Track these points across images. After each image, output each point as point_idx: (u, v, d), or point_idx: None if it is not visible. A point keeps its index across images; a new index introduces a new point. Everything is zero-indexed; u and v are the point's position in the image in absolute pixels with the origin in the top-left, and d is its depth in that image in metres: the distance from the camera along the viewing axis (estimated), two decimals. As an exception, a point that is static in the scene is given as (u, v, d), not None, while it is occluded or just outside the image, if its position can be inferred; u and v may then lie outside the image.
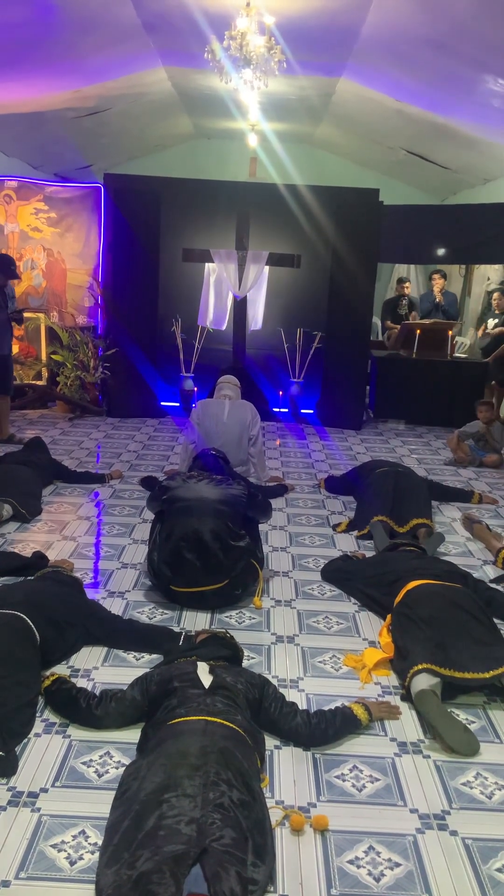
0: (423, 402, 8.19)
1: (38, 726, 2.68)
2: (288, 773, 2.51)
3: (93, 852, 2.11)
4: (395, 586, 3.50)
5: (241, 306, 7.57)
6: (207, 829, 1.92)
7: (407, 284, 10.16)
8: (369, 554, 4.30)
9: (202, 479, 4.18)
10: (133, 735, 2.58)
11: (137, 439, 7.00)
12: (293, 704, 2.69)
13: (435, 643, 2.97)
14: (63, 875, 2.05)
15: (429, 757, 2.64)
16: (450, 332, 8.52)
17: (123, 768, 2.38)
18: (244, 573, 3.70)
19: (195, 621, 3.54)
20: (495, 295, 8.62)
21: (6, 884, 2.01)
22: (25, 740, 2.59)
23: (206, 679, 2.55)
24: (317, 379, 7.96)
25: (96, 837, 2.17)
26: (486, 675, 2.88)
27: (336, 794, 2.43)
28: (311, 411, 8.09)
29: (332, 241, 7.63)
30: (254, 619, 3.60)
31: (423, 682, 2.83)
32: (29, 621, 2.89)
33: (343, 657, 3.25)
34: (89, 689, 2.84)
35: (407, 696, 2.92)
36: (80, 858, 2.10)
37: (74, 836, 2.18)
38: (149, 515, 4.41)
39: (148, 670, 2.80)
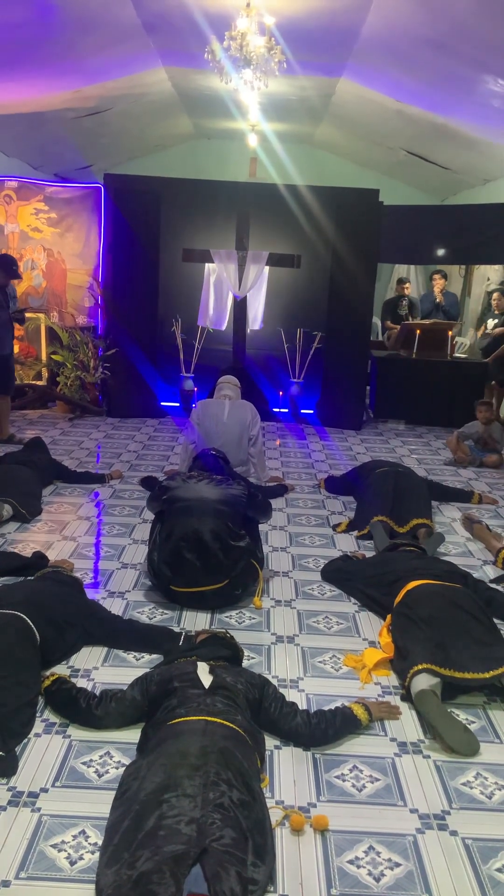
0: (423, 403, 8.19)
1: (38, 726, 2.68)
2: (288, 773, 2.51)
3: (93, 852, 2.11)
4: (395, 586, 3.50)
5: (241, 306, 7.57)
6: (207, 829, 1.92)
7: (407, 285, 10.16)
8: (369, 554, 4.31)
9: (202, 479, 4.18)
10: (133, 735, 2.58)
11: (137, 439, 7.00)
12: (293, 704, 2.69)
13: (435, 643, 2.97)
14: (63, 875, 2.05)
15: (429, 757, 2.64)
16: (450, 333, 8.52)
17: (123, 768, 2.38)
18: (244, 573, 3.70)
19: (195, 621, 3.54)
20: (495, 295, 8.62)
21: (6, 884, 2.01)
22: (25, 740, 2.59)
23: (206, 679, 2.55)
24: (317, 379, 7.96)
25: (96, 837, 2.17)
26: (486, 675, 2.88)
27: (336, 794, 2.43)
28: (311, 411, 8.09)
29: (332, 241, 7.63)
30: (254, 619, 3.60)
31: (423, 682, 2.83)
32: (29, 621, 2.89)
33: (343, 657, 3.25)
34: (89, 689, 2.84)
35: (407, 696, 2.92)
36: (81, 858, 2.10)
37: (74, 836, 2.19)
38: (149, 515, 4.41)
39: (148, 670, 2.80)
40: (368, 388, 8.57)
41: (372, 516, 4.69)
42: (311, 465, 6.46)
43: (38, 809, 2.29)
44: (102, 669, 3.08)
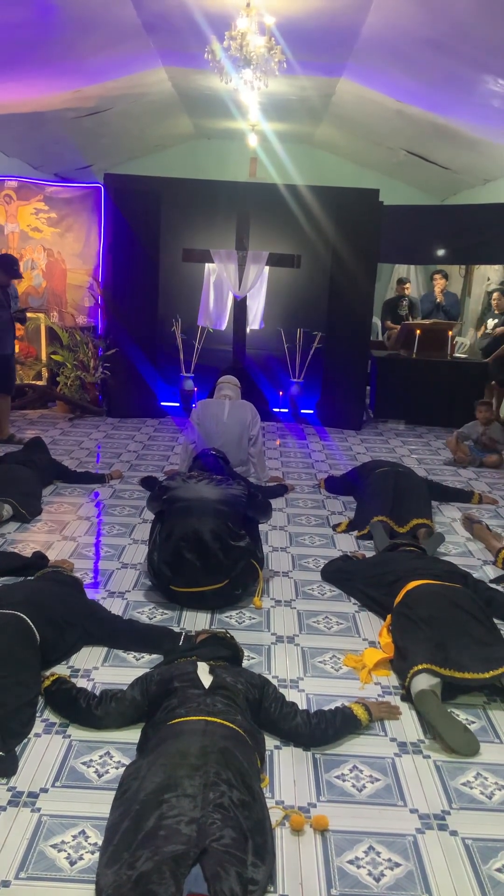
0: (423, 403, 8.19)
1: (38, 726, 2.68)
2: (288, 773, 2.51)
3: (93, 852, 2.11)
4: (395, 586, 3.50)
5: (241, 306, 7.57)
6: (207, 829, 1.92)
7: (407, 285, 10.16)
8: (369, 554, 4.30)
9: (202, 479, 4.18)
10: (133, 735, 2.58)
11: (137, 439, 7.00)
12: (293, 704, 2.69)
13: (435, 643, 2.97)
14: (63, 875, 2.05)
15: (429, 757, 2.64)
16: (450, 333, 8.52)
17: (123, 768, 2.38)
18: (244, 573, 3.70)
19: (195, 621, 3.53)
20: (495, 295, 8.62)
21: (6, 884, 2.01)
22: (25, 740, 2.59)
23: (207, 679, 2.55)
24: (317, 379, 7.96)
25: (96, 837, 2.17)
26: (486, 676, 2.88)
27: (336, 794, 2.43)
28: (311, 411, 8.09)
29: (333, 241, 7.63)
30: (254, 619, 3.60)
31: (423, 682, 2.83)
32: (29, 621, 2.89)
33: (343, 657, 3.25)
34: (89, 689, 2.84)
35: (407, 697, 2.92)
36: (80, 858, 2.10)
37: (74, 836, 2.18)
38: (149, 515, 4.41)
39: (148, 670, 2.80)
40: (368, 388, 8.57)
41: (372, 516, 4.69)
42: (311, 465, 6.46)
43: (38, 809, 2.29)
44: (102, 669, 3.08)
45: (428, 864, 2.15)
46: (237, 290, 7.44)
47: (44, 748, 2.57)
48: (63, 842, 2.16)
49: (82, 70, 7.26)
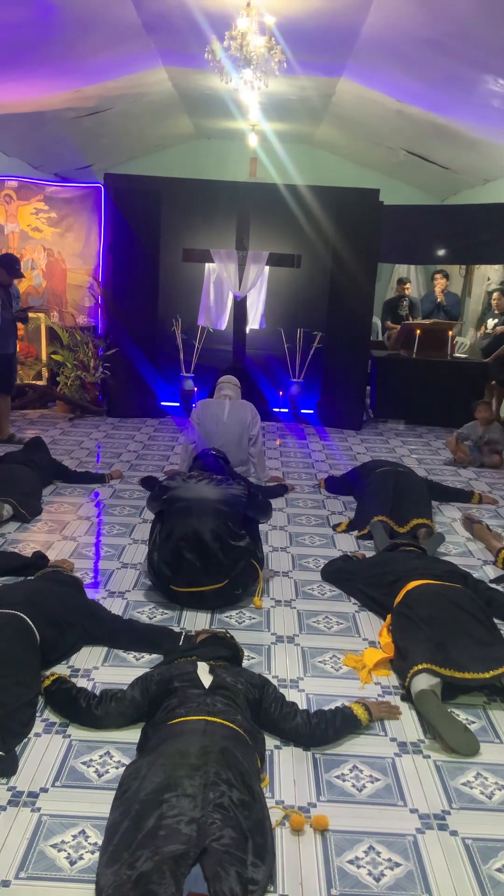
0: (423, 403, 8.19)
1: (38, 726, 2.68)
2: (288, 773, 2.51)
3: (93, 852, 2.11)
4: (395, 586, 3.50)
5: (241, 306, 7.57)
6: (207, 829, 1.92)
7: (408, 285, 10.15)
8: (369, 554, 4.30)
9: (202, 479, 4.18)
10: (133, 735, 2.58)
11: (137, 439, 7.00)
12: (293, 704, 2.69)
13: (435, 643, 2.97)
14: (63, 875, 2.05)
15: (429, 757, 2.64)
16: (450, 333, 8.52)
17: (123, 768, 2.38)
18: (244, 573, 3.70)
19: (195, 621, 3.53)
20: (495, 295, 8.62)
21: (6, 884, 2.01)
22: (25, 740, 2.59)
23: (207, 679, 2.55)
24: (317, 379, 7.96)
25: (96, 837, 2.17)
26: (486, 676, 2.88)
27: (336, 794, 2.43)
28: (312, 411, 8.09)
29: (333, 241, 7.63)
30: (254, 619, 3.60)
31: (423, 682, 2.83)
32: (29, 621, 2.89)
33: (343, 657, 3.25)
34: (89, 688, 2.84)
35: (407, 696, 2.92)
36: (80, 858, 2.10)
37: (74, 836, 2.18)
38: (149, 515, 4.41)
39: (148, 670, 2.80)
40: (368, 388, 8.57)
41: (372, 516, 4.69)
42: (311, 465, 6.46)
43: (38, 809, 2.29)
44: (102, 669, 3.08)
45: (428, 864, 2.15)
46: (237, 290, 7.44)
47: (44, 748, 2.57)
48: (63, 841, 2.16)
49: (82, 70, 7.26)
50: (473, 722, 2.85)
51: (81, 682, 2.93)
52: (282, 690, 2.80)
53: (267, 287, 7.78)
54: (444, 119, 8.03)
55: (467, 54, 5.94)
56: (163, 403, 7.99)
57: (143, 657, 3.17)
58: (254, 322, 7.82)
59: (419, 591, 3.32)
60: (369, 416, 8.46)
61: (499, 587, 3.93)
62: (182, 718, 2.33)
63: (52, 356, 7.96)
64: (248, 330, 7.75)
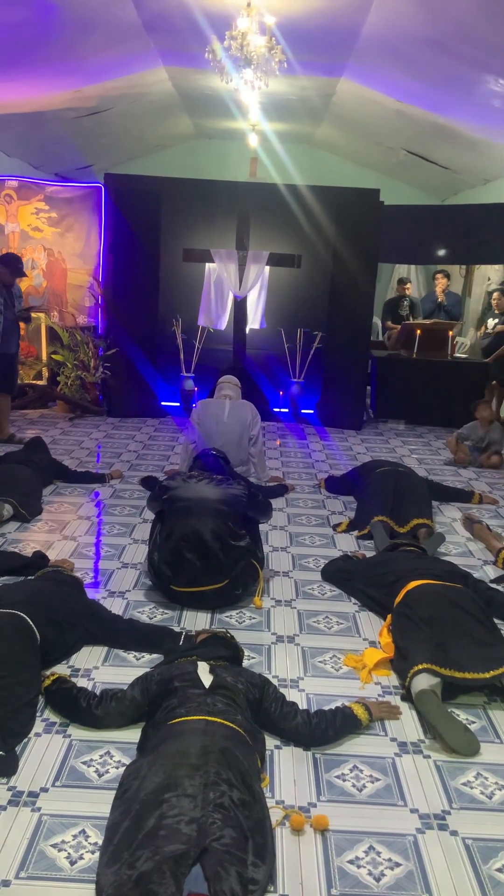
0: (424, 403, 8.19)
1: (38, 726, 2.68)
2: (288, 772, 2.51)
3: (93, 852, 2.11)
4: (395, 586, 3.49)
5: (241, 306, 7.57)
6: (208, 829, 1.92)
7: (408, 285, 10.16)
8: (369, 554, 4.30)
9: (202, 479, 4.18)
10: (133, 735, 2.58)
11: (138, 439, 7.00)
12: (293, 704, 2.69)
13: (435, 643, 2.97)
14: (63, 875, 2.05)
15: (429, 757, 2.64)
16: (450, 333, 8.52)
17: (124, 768, 2.38)
18: (244, 573, 3.70)
19: (195, 621, 3.53)
20: (495, 295, 8.61)
21: (6, 883, 2.01)
22: (26, 740, 2.59)
23: (207, 679, 2.55)
24: (317, 379, 7.96)
25: (96, 837, 2.17)
26: (487, 676, 2.88)
27: (336, 793, 2.43)
28: (312, 411, 8.09)
29: (333, 241, 7.63)
30: (254, 618, 3.60)
31: (423, 682, 2.83)
32: (29, 621, 2.89)
33: (343, 657, 3.25)
34: (90, 688, 2.84)
35: (407, 696, 2.92)
36: (81, 858, 2.10)
37: (75, 836, 2.18)
38: (149, 515, 4.41)
39: (148, 670, 2.80)
40: (369, 388, 8.57)
41: (372, 516, 4.69)
42: (312, 464, 6.46)
43: (39, 809, 2.29)
44: (103, 669, 3.08)
45: (428, 864, 2.15)
46: (237, 289, 7.44)
47: (44, 748, 2.57)
48: (63, 841, 2.16)
49: (83, 70, 7.26)
50: (474, 722, 2.85)
51: (82, 682, 2.93)
52: (282, 690, 2.80)
53: (267, 287, 7.78)
54: (444, 119, 8.03)
55: (467, 54, 5.94)
56: (163, 403, 7.99)
57: (143, 657, 3.17)
58: (254, 322, 7.81)
59: (419, 591, 3.32)
60: (369, 416, 8.46)
61: (499, 587, 3.93)
62: (182, 718, 2.33)
63: (53, 356, 7.96)
64: (248, 330, 7.75)
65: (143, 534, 4.51)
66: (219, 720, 2.31)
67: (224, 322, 7.81)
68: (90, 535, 4.56)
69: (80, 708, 2.68)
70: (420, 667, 2.87)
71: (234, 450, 5.49)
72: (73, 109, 8.55)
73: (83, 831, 2.20)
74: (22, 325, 6.91)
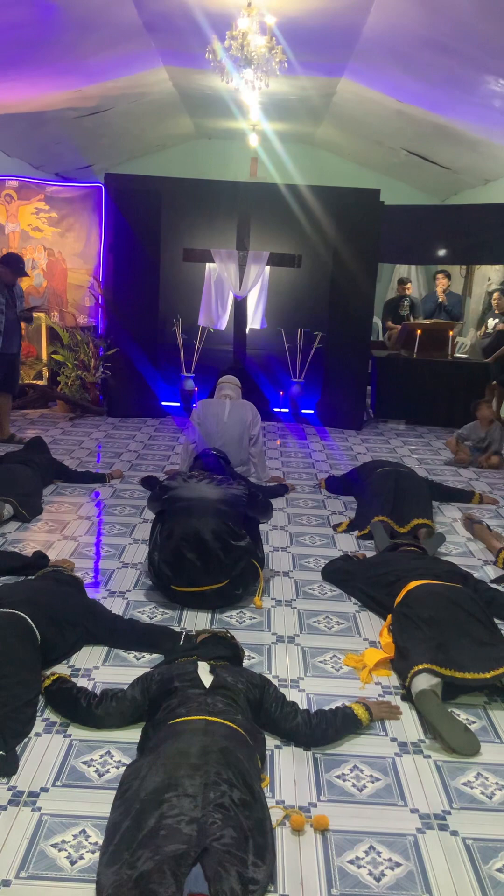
0: (424, 403, 8.19)
1: (38, 726, 2.68)
2: (288, 772, 2.51)
3: (93, 852, 2.11)
4: (395, 586, 3.49)
5: (241, 306, 7.57)
6: (208, 829, 1.92)
7: (408, 285, 10.15)
8: (370, 554, 4.30)
9: (203, 478, 4.18)
10: (133, 735, 2.58)
11: (138, 439, 7.00)
12: (294, 704, 2.69)
13: (436, 643, 2.97)
14: (63, 874, 2.05)
15: (429, 757, 2.64)
16: (450, 333, 8.52)
17: (124, 768, 2.38)
18: (245, 573, 3.70)
19: (196, 621, 3.53)
20: (495, 295, 8.62)
21: (6, 883, 2.01)
22: (26, 740, 2.59)
23: (207, 679, 2.55)
24: (317, 379, 7.96)
25: (97, 837, 2.17)
26: (487, 676, 2.88)
27: (336, 793, 2.43)
28: (312, 411, 8.09)
29: (333, 241, 7.63)
30: (254, 618, 3.60)
31: (423, 682, 2.83)
32: (30, 621, 2.89)
33: (343, 657, 3.25)
34: (90, 688, 2.84)
35: (407, 696, 2.92)
36: (81, 858, 2.10)
37: (75, 836, 2.18)
38: (149, 515, 4.41)
39: (148, 670, 2.80)
40: (369, 388, 8.57)
41: (372, 516, 4.69)
42: (312, 464, 6.46)
43: (39, 809, 2.29)
44: (103, 669, 3.08)
45: (428, 864, 2.15)
46: (238, 289, 7.44)
47: (44, 747, 2.57)
48: (63, 841, 2.16)
49: (83, 70, 7.26)
50: (474, 722, 2.85)
51: (82, 682, 2.93)
52: (282, 690, 2.80)
53: (267, 287, 7.78)
54: (444, 119, 8.03)
55: (468, 54, 5.94)
56: (163, 403, 7.99)
57: (143, 657, 3.17)
58: (255, 322, 7.82)
59: (420, 591, 3.32)
60: (370, 416, 8.46)
61: (499, 587, 3.93)
62: (182, 718, 2.33)
63: (53, 356, 7.96)
64: (248, 330, 7.76)
65: (144, 534, 4.51)
66: (219, 720, 2.31)
67: (224, 322, 7.81)
68: (90, 535, 4.56)
69: (81, 708, 2.68)
70: (420, 667, 2.87)
71: (235, 450, 5.49)
72: (74, 109, 8.55)
73: (83, 831, 2.20)
74: (23, 324, 6.90)
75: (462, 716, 2.88)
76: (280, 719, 2.62)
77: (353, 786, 2.46)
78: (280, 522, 4.94)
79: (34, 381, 8.20)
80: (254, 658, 3.20)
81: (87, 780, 2.43)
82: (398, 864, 2.15)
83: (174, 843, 1.88)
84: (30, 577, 3.67)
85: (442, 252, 9.39)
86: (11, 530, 4.53)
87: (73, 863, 2.09)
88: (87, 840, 2.17)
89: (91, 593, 3.64)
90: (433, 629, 3.04)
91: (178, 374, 8.00)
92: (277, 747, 2.62)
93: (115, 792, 2.25)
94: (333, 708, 2.75)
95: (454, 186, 11.09)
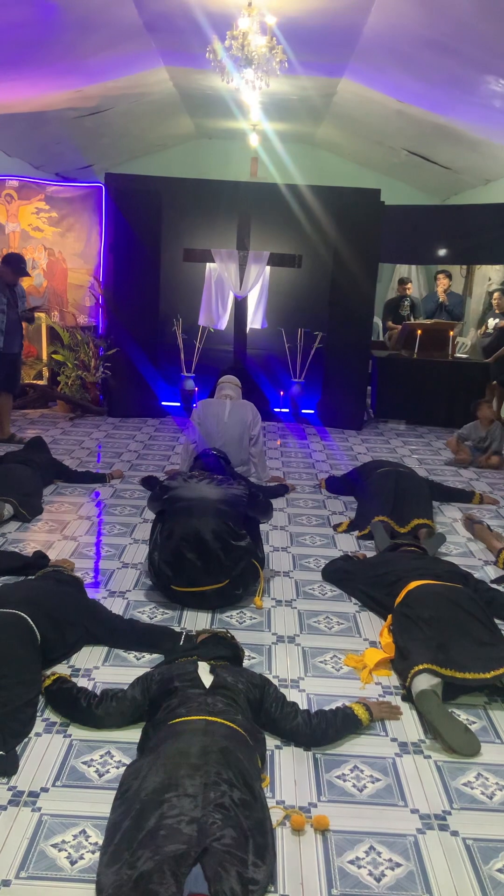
0: (424, 403, 8.19)
1: (38, 726, 2.68)
2: (289, 772, 2.50)
3: (93, 852, 2.11)
4: (395, 586, 3.49)
5: (241, 306, 7.57)
6: (208, 829, 1.92)
7: (409, 285, 10.15)
8: (370, 554, 4.30)
9: (203, 478, 4.18)
10: (134, 735, 2.58)
11: (138, 439, 7.00)
12: (294, 704, 2.69)
13: (436, 643, 2.97)
14: (63, 875, 2.05)
15: (430, 757, 2.63)
16: (451, 333, 8.52)
17: (124, 768, 2.38)
18: (245, 573, 3.70)
19: (196, 621, 3.53)
20: (496, 295, 8.61)
21: (7, 883, 2.01)
22: (26, 740, 2.59)
23: (207, 679, 2.55)
24: (318, 379, 7.96)
25: (97, 837, 2.17)
26: (487, 676, 2.88)
27: (337, 794, 2.43)
28: (312, 411, 8.09)
29: (334, 241, 7.63)
30: (254, 618, 3.60)
31: (423, 682, 2.83)
32: (30, 621, 2.89)
33: (344, 657, 3.25)
34: (90, 688, 2.84)
35: (408, 697, 2.92)
36: (81, 858, 2.10)
37: (75, 836, 2.18)
38: (149, 515, 4.41)
39: (149, 670, 2.80)
40: (369, 388, 8.57)
41: (373, 516, 4.69)
42: (312, 464, 6.46)
43: (39, 809, 2.29)
44: (103, 669, 3.08)
45: (429, 865, 2.15)
46: (238, 289, 7.44)
47: (44, 747, 2.57)
48: (63, 841, 2.16)
49: (83, 70, 7.25)
50: (474, 722, 2.85)
51: (82, 682, 2.93)
52: (282, 690, 2.80)
53: (268, 287, 7.78)
54: (445, 119, 8.03)
55: (468, 54, 5.94)
56: (163, 403, 7.99)
57: (143, 657, 3.17)
58: (255, 322, 7.81)
59: (420, 591, 3.31)
60: (370, 416, 8.46)
61: (500, 587, 3.92)
62: (183, 718, 2.33)
63: (53, 356, 7.96)
64: (248, 330, 7.76)
65: (144, 534, 4.51)
66: (219, 720, 2.31)
67: (224, 322, 7.81)
68: (90, 535, 4.56)
69: (81, 708, 2.68)
70: (420, 667, 2.87)
71: (235, 450, 5.49)
72: (74, 109, 8.55)
73: (83, 831, 2.20)
74: (24, 324, 6.90)
75: (462, 716, 2.88)
76: (280, 719, 2.62)
77: (354, 786, 2.46)
78: (280, 522, 4.94)
79: (34, 381, 8.20)
80: (254, 658, 3.20)
81: (87, 780, 2.43)
82: (398, 865, 2.14)
83: (174, 843, 1.87)
84: (30, 577, 3.67)
85: (442, 252, 9.38)
86: (11, 530, 4.53)
87: (73, 863, 2.09)
88: (87, 840, 2.17)
89: (91, 593, 3.64)
90: (433, 629, 3.04)
91: (179, 373, 8.00)
92: (277, 747, 2.62)
93: (115, 792, 2.25)
94: (334, 708, 2.75)
95: (455, 186, 11.09)
